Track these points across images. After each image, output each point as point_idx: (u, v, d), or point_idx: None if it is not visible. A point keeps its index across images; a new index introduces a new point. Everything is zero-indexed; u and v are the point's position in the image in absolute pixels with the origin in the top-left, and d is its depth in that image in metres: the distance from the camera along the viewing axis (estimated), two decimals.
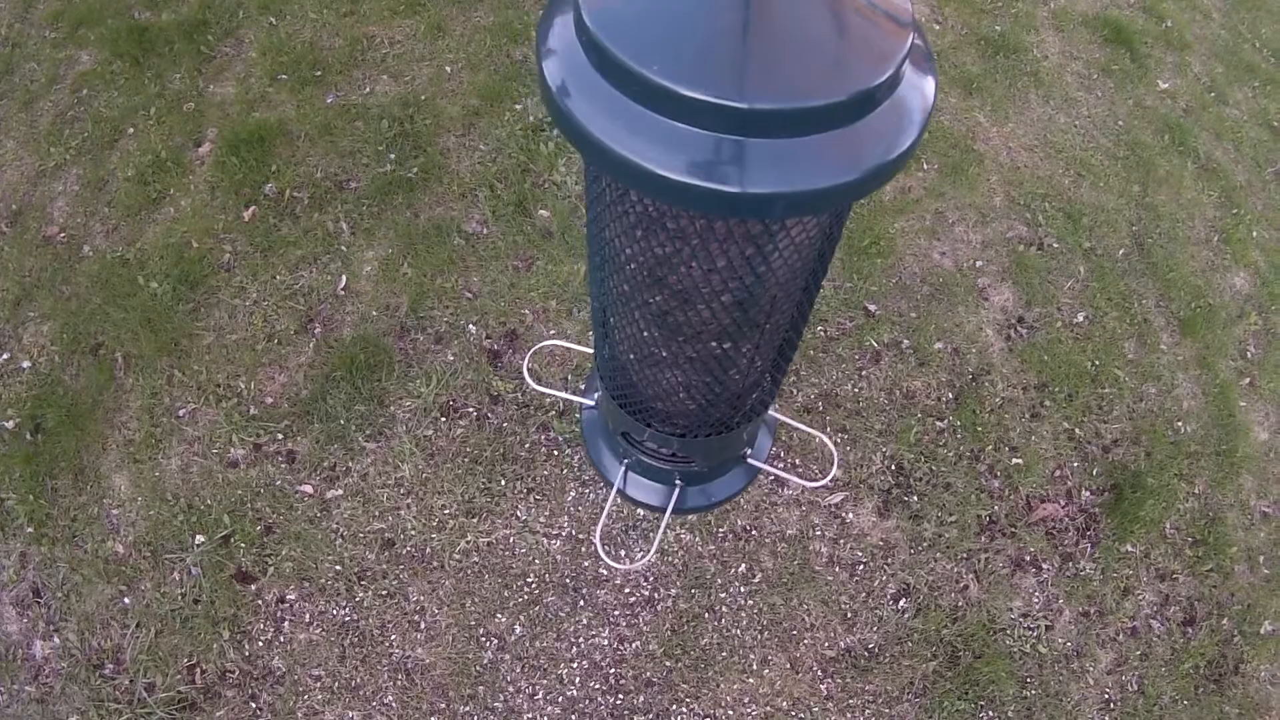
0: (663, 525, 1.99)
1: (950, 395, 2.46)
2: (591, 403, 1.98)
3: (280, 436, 2.27)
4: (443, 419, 2.30)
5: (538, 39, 0.94)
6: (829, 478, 2.22)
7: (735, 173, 0.82)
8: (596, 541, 1.99)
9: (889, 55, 0.85)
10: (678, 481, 1.94)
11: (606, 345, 1.56)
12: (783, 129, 0.81)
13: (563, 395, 2.08)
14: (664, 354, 1.42)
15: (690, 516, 2.19)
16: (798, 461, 2.30)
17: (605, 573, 2.14)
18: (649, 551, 2.07)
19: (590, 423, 2.13)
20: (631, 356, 1.50)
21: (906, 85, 0.89)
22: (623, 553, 2.16)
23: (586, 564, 2.14)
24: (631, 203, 1.10)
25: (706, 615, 2.11)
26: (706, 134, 0.81)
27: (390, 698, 1.99)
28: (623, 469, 1.97)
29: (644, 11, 0.87)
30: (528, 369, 2.26)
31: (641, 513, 2.19)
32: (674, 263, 1.17)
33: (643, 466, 1.91)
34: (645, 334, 1.39)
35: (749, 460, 1.98)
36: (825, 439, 2.17)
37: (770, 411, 2.04)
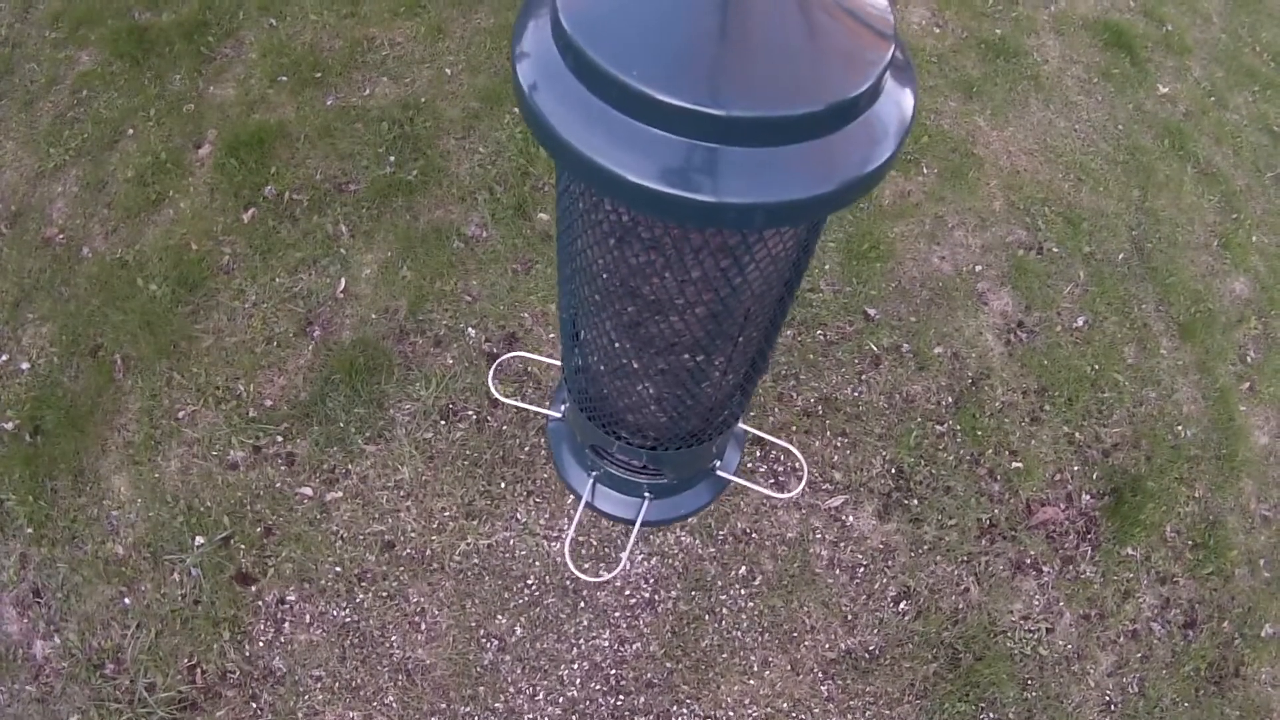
0: (632, 538, 1.99)
1: (950, 399, 2.46)
2: (559, 415, 1.96)
3: (280, 439, 2.26)
4: (442, 422, 2.30)
5: (512, 43, 0.93)
6: (797, 490, 2.21)
7: (709, 182, 0.81)
8: (565, 554, 1.97)
9: (869, 67, 0.84)
10: (646, 494, 1.93)
11: (576, 356, 1.55)
12: (759, 137, 0.80)
13: (529, 407, 2.06)
14: (635, 366, 1.40)
15: (691, 520, 2.19)
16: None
17: (606, 574, 2.14)
18: (618, 567, 2.07)
19: (556, 435, 2.12)
20: (602, 368, 1.48)
21: (886, 98, 0.87)
22: (602, 567, 2.16)
23: (586, 566, 2.14)
24: (605, 212, 1.08)
25: (707, 617, 2.11)
26: (682, 141, 0.80)
27: (391, 698, 1.99)
28: (591, 482, 1.95)
29: (621, 16, 0.85)
30: (493, 381, 2.25)
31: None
32: (647, 273, 1.15)
33: (611, 479, 1.89)
34: (616, 345, 1.37)
35: (718, 472, 1.97)
36: (795, 450, 2.17)
37: (739, 425, 2.03)
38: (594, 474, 1.92)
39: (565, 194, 1.15)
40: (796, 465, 2.30)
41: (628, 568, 2.14)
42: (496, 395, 2.16)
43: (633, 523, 1.92)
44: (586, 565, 2.14)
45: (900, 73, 0.90)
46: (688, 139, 0.80)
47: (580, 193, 1.10)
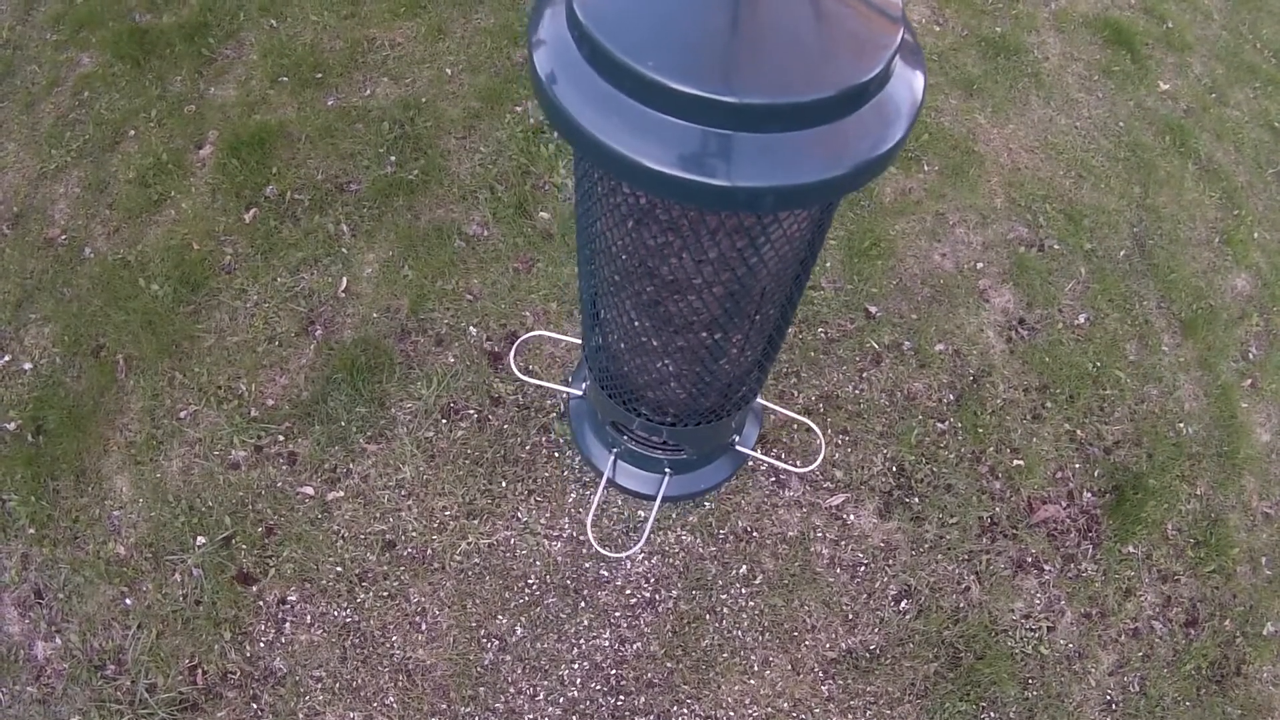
0: (653, 512, 2.00)
1: (951, 397, 2.45)
2: (580, 393, 1.98)
3: (281, 438, 2.27)
4: (443, 421, 2.30)
5: (528, 31, 0.94)
6: (817, 463, 2.21)
7: (724, 167, 0.82)
8: (588, 529, 1.98)
9: (878, 51, 0.85)
10: (667, 470, 1.95)
11: (596, 335, 1.56)
12: (772, 123, 0.82)
13: (550, 386, 2.08)
14: (654, 343, 1.42)
15: (691, 518, 2.19)
16: (798, 462, 2.30)
17: (606, 574, 2.14)
18: (640, 541, 2.08)
19: (577, 412, 2.13)
20: (621, 346, 1.50)
21: (896, 81, 0.89)
22: (624, 545, 2.16)
23: (587, 565, 2.14)
24: (623, 195, 1.10)
25: (708, 616, 2.11)
26: (697, 128, 0.81)
27: (391, 699, 1.99)
28: (612, 458, 1.97)
29: (635, 6, 0.87)
30: (514, 360, 2.26)
31: (642, 513, 2.19)
32: (665, 254, 1.17)
33: (632, 455, 1.91)
34: (635, 324, 1.39)
35: (737, 447, 1.98)
36: (812, 424, 2.17)
37: (758, 400, 2.04)
38: (615, 450, 1.94)
39: (584, 178, 1.16)
40: (798, 462, 2.30)
41: (628, 566, 2.14)
42: (517, 374, 2.16)
43: (653, 498, 1.93)
44: (588, 565, 2.14)
45: (910, 55, 0.91)
46: (702, 125, 0.82)
47: (598, 177, 1.11)
